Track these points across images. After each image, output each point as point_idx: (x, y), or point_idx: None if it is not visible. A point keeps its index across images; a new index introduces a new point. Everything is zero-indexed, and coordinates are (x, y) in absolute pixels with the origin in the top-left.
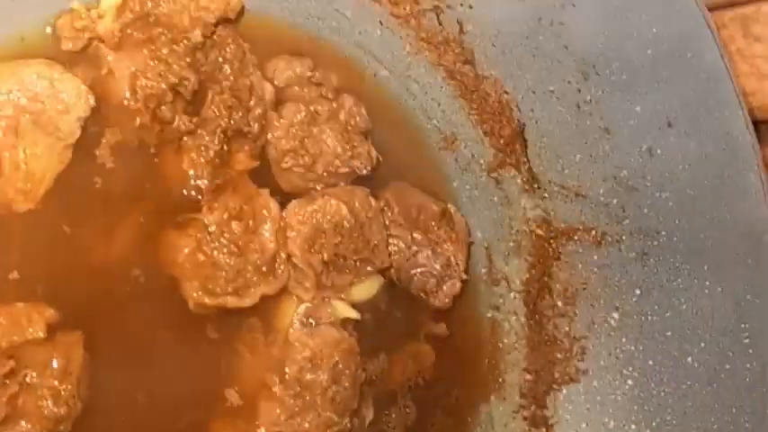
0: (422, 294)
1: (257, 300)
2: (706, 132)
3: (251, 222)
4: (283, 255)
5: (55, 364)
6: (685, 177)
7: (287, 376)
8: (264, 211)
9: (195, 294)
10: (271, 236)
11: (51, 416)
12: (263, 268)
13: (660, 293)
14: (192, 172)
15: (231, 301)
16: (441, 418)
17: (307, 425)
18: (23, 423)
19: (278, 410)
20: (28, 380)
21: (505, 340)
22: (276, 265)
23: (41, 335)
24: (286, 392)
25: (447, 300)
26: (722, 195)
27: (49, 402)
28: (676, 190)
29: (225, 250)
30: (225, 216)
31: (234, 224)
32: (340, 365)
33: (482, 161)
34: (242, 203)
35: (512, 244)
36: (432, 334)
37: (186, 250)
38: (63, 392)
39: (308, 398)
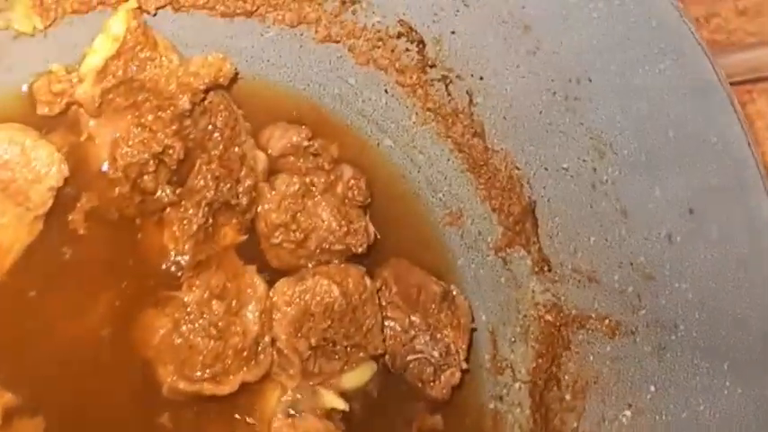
0: (418, 383)
1: (236, 387)
2: (729, 221)
3: (234, 302)
4: (267, 338)
5: None
6: (706, 268)
7: None
8: (249, 290)
9: (170, 379)
10: (254, 318)
11: None
12: (245, 353)
13: (677, 392)
14: (172, 246)
15: (208, 388)
16: None
17: None
18: None
19: None
20: None
21: None
22: (259, 350)
23: None
24: None
25: (445, 391)
26: (745, 289)
27: None
28: (696, 281)
29: (203, 332)
30: (206, 295)
31: (215, 304)
32: None
33: (489, 239)
34: (226, 281)
35: (518, 329)
36: (427, 427)
37: (162, 331)
38: None
39: None
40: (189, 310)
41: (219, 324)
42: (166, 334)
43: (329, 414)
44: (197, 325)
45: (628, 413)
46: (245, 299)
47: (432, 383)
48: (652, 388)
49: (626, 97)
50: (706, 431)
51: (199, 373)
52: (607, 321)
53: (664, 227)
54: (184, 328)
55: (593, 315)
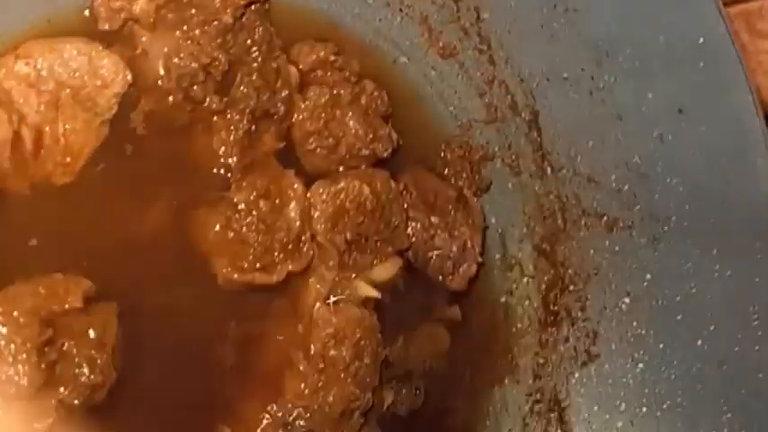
0: (438, 277)
1: (283, 276)
2: (716, 118)
3: (277, 201)
4: (308, 234)
5: (91, 334)
6: (696, 163)
7: (311, 352)
8: (290, 191)
9: (224, 270)
10: (296, 215)
11: (87, 383)
12: (289, 246)
13: (671, 278)
14: (222, 150)
15: (259, 278)
16: (454, 400)
17: (330, 398)
18: (61, 389)
19: (302, 385)
20: (65, 348)
21: (519, 325)
22: (301, 244)
23: (78, 305)
24: (310, 368)
25: (463, 282)
26: (731, 181)
27: (86, 370)
28: (687, 176)
29: (253, 228)
30: (253, 195)
31: (261, 203)
32: (362, 342)
33: (496, 148)
34: (269, 183)
35: (525, 230)
36: (446, 318)
37: (216, 227)
38: (99, 361)
39: (331, 373)
40: (239, 208)
41: (267, 220)
42: (220, 230)
43: (363, 302)
44: (247, 221)
45: (627, 300)
46: (287, 199)
47: (451, 276)
48: (648, 276)
49: (621, 7)
50: (699, 312)
51: (250, 265)
52: (605, 218)
53: (656, 128)
54: (236, 224)
55: (593, 213)
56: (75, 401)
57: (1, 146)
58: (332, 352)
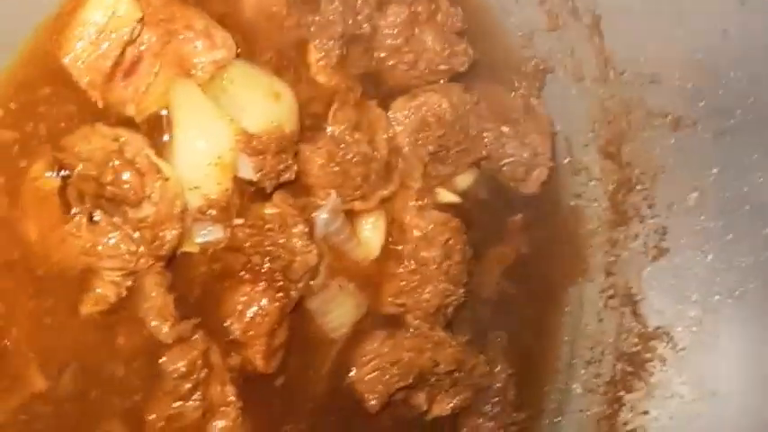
0: (511, 183)
1: (378, 202)
2: None
3: (367, 129)
4: (397, 158)
5: None
6: (758, 56)
7: (404, 255)
8: (377, 122)
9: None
10: (385, 143)
11: None
12: (382, 173)
13: (737, 170)
14: (321, 78)
15: (358, 205)
16: (533, 299)
17: (426, 296)
18: None
19: (400, 285)
20: None
21: (589, 226)
22: (391, 168)
23: None
24: (405, 270)
25: (534, 186)
26: None
27: None
28: (750, 69)
29: (353, 160)
30: (347, 127)
31: (357, 135)
32: (450, 241)
33: (559, 56)
34: (357, 116)
35: (590, 134)
36: (518, 222)
37: (319, 161)
38: None
39: (425, 273)
40: (338, 141)
41: (363, 152)
42: (323, 164)
43: (447, 208)
44: (348, 155)
45: (694, 195)
46: (375, 127)
47: (524, 181)
48: (714, 170)
49: None
50: (766, 200)
51: (350, 195)
52: (670, 117)
53: (719, 23)
54: (338, 158)
55: (658, 112)
56: None
57: (111, 52)
58: (423, 253)
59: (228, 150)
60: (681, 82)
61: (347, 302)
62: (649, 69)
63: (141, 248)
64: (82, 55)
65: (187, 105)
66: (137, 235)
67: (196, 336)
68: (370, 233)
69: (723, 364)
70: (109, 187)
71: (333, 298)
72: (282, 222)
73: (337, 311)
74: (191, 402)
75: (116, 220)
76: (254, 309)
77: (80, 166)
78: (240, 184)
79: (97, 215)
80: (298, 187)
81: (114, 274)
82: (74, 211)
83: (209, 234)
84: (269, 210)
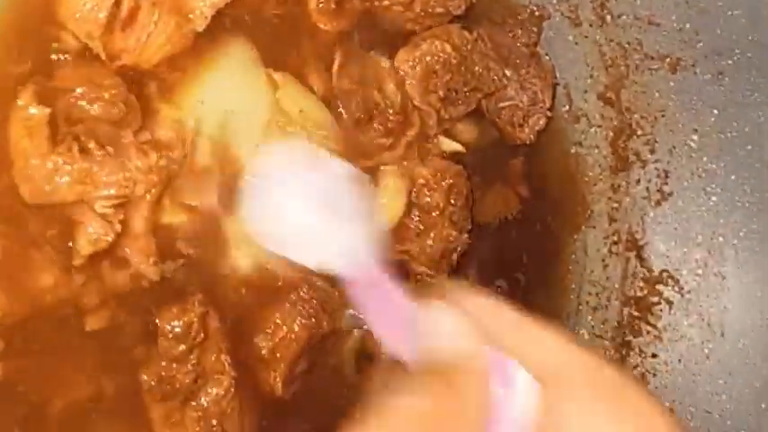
0: (508, 128)
1: (403, 149)
2: None
3: (374, 82)
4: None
5: None
6: None
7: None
8: (382, 72)
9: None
10: (395, 90)
11: None
12: (400, 121)
13: (738, 110)
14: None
15: (387, 157)
16: (535, 249)
17: (430, 242)
18: None
19: (404, 233)
20: None
21: (590, 173)
22: (408, 112)
23: None
24: (409, 216)
25: (531, 134)
26: None
27: None
28: (748, 7)
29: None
30: (352, 83)
31: (366, 90)
32: (453, 187)
33: (555, 1)
34: (360, 69)
35: (589, 81)
36: (518, 168)
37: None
38: None
39: (428, 218)
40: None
41: (378, 104)
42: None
43: (450, 156)
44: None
45: (695, 137)
46: (381, 79)
47: (521, 127)
48: (715, 111)
49: None
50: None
51: (377, 149)
52: (668, 59)
53: None
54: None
55: (655, 56)
56: None
57: (106, 1)
58: (426, 199)
59: None
60: (678, 23)
61: None
62: (646, 12)
63: (138, 174)
64: (77, 6)
65: None
66: (134, 160)
67: (195, 300)
68: (392, 193)
69: (730, 305)
70: (102, 113)
71: None
72: None
73: None
74: (184, 366)
75: (109, 149)
76: (285, 330)
77: (75, 91)
78: None
79: (91, 143)
80: None
81: (109, 203)
82: (66, 139)
83: None
84: None
